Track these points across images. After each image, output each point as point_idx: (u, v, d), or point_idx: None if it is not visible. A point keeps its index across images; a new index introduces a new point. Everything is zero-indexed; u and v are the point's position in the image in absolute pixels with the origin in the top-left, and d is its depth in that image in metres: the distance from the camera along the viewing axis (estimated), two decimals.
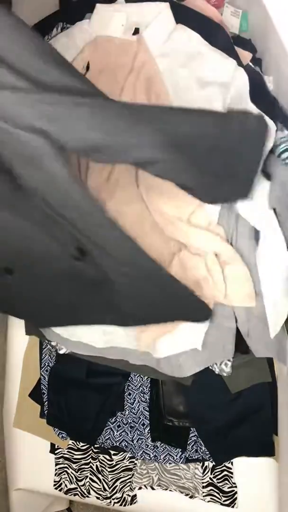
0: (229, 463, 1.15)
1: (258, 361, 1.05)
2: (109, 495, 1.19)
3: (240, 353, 0.98)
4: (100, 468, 1.20)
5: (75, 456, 1.22)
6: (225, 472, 1.15)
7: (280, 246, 0.89)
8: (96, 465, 1.21)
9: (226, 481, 1.14)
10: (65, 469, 1.22)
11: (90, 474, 1.21)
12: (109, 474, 1.20)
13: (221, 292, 0.91)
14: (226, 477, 1.14)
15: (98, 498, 1.20)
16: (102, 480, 1.20)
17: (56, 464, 1.23)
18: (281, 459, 1.09)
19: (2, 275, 0.84)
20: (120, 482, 1.19)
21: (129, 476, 1.19)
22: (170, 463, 1.16)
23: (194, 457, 1.13)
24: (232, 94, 0.87)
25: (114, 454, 1.20)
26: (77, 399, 1.16)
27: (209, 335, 0.94)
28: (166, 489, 1.17)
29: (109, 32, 0.91)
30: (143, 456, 1.15)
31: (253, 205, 0.87)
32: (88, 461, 1.21)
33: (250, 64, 1.04)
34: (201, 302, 0.86)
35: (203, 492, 1.15)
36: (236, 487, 1.14)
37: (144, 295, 0.85)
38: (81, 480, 1.21)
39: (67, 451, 1.22)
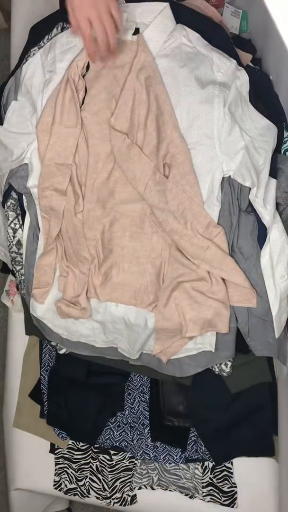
0: (229, 463, 1.14)
1: (258, 361, 1.05)
2: (109, 495, 1.19)
3: (240, 353, 0.98)
4: (100, 468, 1.20)
5: (75, 456, 1.22)
6: (225, 472, 1.15)
7: (285, 244, 0.90)
8: (96, 465, 1.21)
9: (226, 481, 1.14)
10: (65, 469, 1.22)
11: (90, 474, 1.21)
12: (109, 474, 1.20)
13: (221, 292, 0.91)
14: (226, 477, 1.14)
15: (98, 498, 1.20)
16: (102, 480, 1.20)
17: (56, 464, 1.23)
18: (281, 459, 1.09)
19: None
20: (120, 482, 1.19)
21: (129, 476, 1.19)
22: (170, 463, 1.15)
23: (194, 457, 1.13)
24: (232, 94, 0.87)
25: (114, 454, 1.20)
26: (77, 399, 1.16)
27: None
28: (166, 489, 1.17)
29: None
30: (143, 456, 1.15)
31: (265, 200, 0.87)
32: (88, 461, 1.21)
33: (250, 64, 1.04)
34: None
35: (203, 492, 1.14)
36: (236, 487, 1.14)
37: None
38: (81, 480, 1.21)
39: (67, 451, 1.22)
